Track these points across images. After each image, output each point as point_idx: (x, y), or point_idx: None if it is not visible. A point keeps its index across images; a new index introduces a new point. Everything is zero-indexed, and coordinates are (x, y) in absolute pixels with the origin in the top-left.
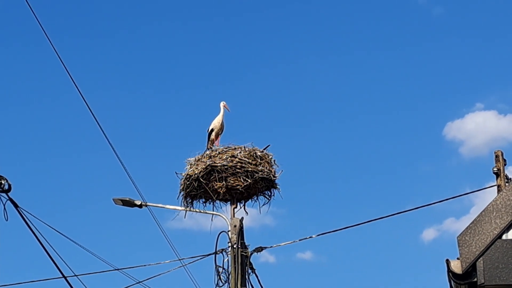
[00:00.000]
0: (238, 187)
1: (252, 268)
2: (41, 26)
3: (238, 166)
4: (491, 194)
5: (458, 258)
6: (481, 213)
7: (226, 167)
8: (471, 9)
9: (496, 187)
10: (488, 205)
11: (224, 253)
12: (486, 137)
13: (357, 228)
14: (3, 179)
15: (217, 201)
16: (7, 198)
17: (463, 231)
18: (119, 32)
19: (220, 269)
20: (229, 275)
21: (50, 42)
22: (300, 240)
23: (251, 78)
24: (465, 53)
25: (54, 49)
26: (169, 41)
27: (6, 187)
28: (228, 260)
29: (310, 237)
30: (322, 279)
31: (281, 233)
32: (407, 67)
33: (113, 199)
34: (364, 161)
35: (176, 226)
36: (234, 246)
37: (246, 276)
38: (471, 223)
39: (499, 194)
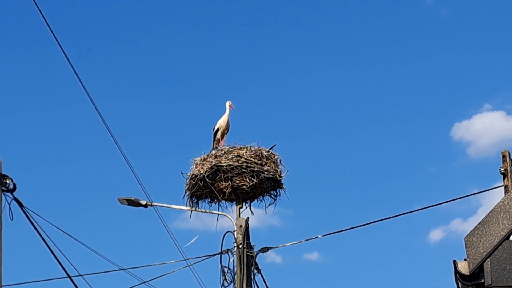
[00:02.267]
0: (243, 187)
1: (257, 268)
2: (51, 31)
3: (243, 166)
4: (498, 194)
5: (465, 259)
6: (488, 214)
7: (231, 167)
8: (479, 10)
9: (503, 187)
10: (496, 205)
11: (229, 253)
12: (493, 137)
13: (364, 229)
14: (8, 178)
15: (223, 201)
16: (12, 197)
17: (471, 232)
18: (126, 37)
19: (226, 269)
20: (234, 275)
21: (60, 46)
22: (306, 240)
23: (257, 78)
24: (473, 54)
25: (64, 52)
26: (175, 44)
27: (11, 186)
28: (233, 260)
29: (316, 237)
30: (329, 280)
31: (288, 234)
32: (415, 68)
33: (119, 199)
34: (372, 161)
35: (182, 226)
36: (240, 246)
37: (252, 276)
38: (478, 224)
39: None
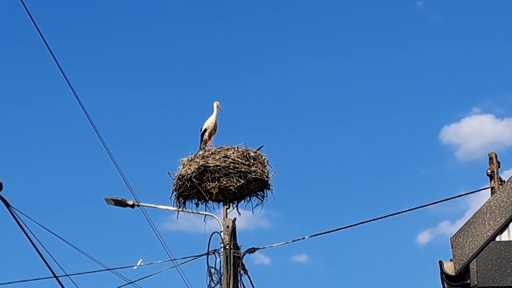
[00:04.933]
0: (231, 187)
1: (244, 269)
2: (36, 27)
3: (231, 167)
4: (485, 196)
5: (451, 260)
6: (474, 214)
7: (219, 167)
8: (468, 15)
9: (490, 189)
10: (482, 206)
11: (216, 254)
12: (482, 141)
13: (353, 232)
14: None
15: (210, 202)
16: None
17: (457, 232)
18: (112, 34)
19: (213, 270)
20: (221, 276)
21: (46, 42)
22: (293, 241)
23: (244, 78)
24: (462, 58)
25: (49, 49)
26: (163, 42)
27: None
28: (220, 261)
29: (303, 238)
30: (317, 282)
31: (277, 236)
32: (405, 71)
33: (105, 199)
34: (360, 164)
35: (171, 228)
36: (227, 247)
37: (239, 277)
38: (464, 225)
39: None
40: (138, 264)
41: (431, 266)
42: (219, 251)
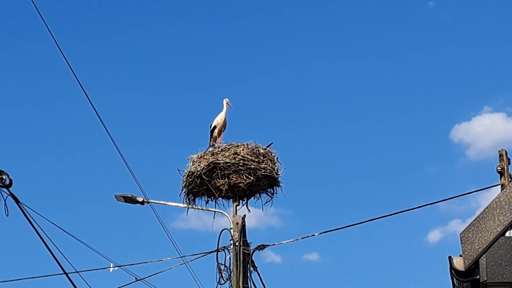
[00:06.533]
0: (240, 184)
1: (254, 266)
2: (46, 25)
3: (240, 164)
4: (496, 194)
5: (460, 255)
6: (484, 210)
7: (228, 164)
8: (478, 14)
9: (500, 186)
10: (492, 202)
11: (226, 250)
12: (493, 139)
13: (363, 230)
14: (4, 174)
15: (220, 199)
16: (8, 193)
17: (466, 228)
18: (122, 32)
19: (222, 267)
20: (231, 272)
21: (55, 41)
22: (302, 238)
23: (254, 76)
24: (473, 57)
25: (59, 47)
26: (172, 41)
27: (7, 182)
28: (230, 257)
29: (313, 235)
30: (328, 280)
31: (288, 234)
32: (416, 70)
33: (115, 196)
34: (371, 162)
35: (182, 226)
36: (236, 244)
37: (248, 274)
38: (474, 220)
39: (502, 191)
40: (111, 267)
41: (441, 264)
42: (229, 248)
